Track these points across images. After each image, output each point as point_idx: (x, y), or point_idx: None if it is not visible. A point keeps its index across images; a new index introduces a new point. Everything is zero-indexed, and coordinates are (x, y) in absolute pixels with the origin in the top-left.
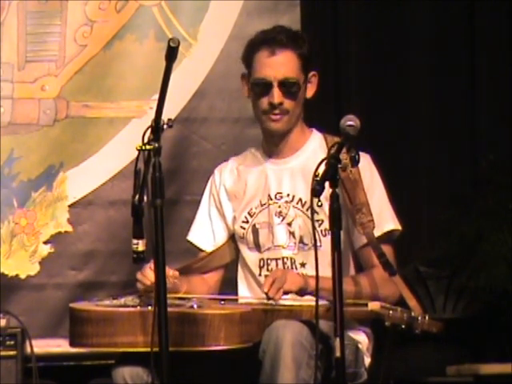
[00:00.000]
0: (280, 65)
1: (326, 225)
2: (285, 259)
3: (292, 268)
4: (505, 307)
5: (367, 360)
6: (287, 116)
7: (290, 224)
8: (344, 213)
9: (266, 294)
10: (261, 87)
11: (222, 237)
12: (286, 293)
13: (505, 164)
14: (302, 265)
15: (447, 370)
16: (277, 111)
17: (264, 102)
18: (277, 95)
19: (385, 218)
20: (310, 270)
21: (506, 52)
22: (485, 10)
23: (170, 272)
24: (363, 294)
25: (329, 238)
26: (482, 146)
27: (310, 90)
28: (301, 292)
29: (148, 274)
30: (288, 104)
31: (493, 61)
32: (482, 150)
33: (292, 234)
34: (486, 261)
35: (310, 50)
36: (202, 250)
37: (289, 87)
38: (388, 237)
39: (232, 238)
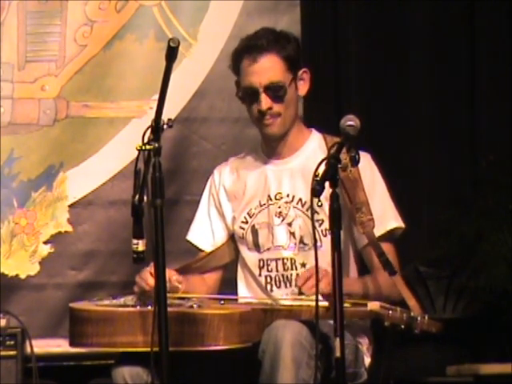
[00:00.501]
0: (263, 70)
1: (327, 225)
2: (285, 260)
3: (292, 268)
4: (505, 307)
5: (367, 360)
6: (280, 119)
7: (290, 224)
8: (344, 212)
9: (299, 288)
10: (249, 95)
11: (221, 237)
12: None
13: (505, 164)
14: (303, 265)
15: (447, 369)
16: (267, 116)
17: (255, 110)
18: (264, 101)
19: (387, 216)
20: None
21: (506, 52)
22: (485, 10)
23: (174, 277)
24: (369, 295)
25: (329, 237)
26: (482, 146)
27: (303, 88)
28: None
29: (147, 278)
30: (277, 107)
31: (493, 61)
32: (482, 150)
33: (292, 234)
34: (486, 261)
35: (297, 48)
36: (201, 250)
37: (275, 91)
38: (390, 235)
39: (231, 238)
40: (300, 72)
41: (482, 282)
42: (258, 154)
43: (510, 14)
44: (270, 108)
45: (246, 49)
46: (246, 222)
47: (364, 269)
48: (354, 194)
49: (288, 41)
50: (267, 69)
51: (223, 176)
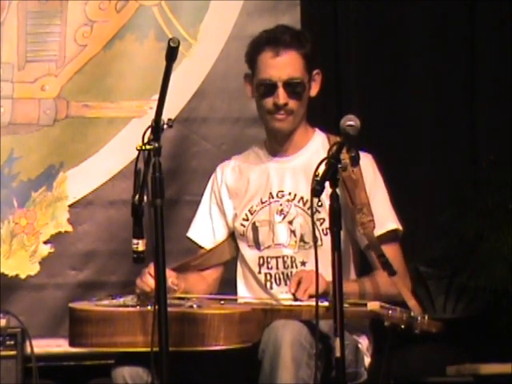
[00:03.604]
0: (285, 65)
1: (327, 224)
2: (285, 258)
3: (292, 267)
4: (505, 307)
5: (367, 360)
6: (292, 116)
7: (291, 222)
8: (346, 212)
9: (293, 294)
10: (266, 88)
11: (221, 234)
12: (311, 296)
13: (505, 164)
14: (303, 263)
15: (447, 370)
16: (282, 111)
17: (269, 103)
18: (282, 96)
19: (387, 217)
20: (310, 269)
21: (506, 52)
22: (485, 10)
23: (170, 279)
24: (366, 296)
25: (330, 237)
26: (482, 145)
27: (314, 89)
28: (324, 295)
29: (148, 281)
30: (293, 104)
31: (493, 61)
32: (482, 150)
33: (293, 232)
34: (485, 261)
35: (313, 48)
36: (202, 247)
37: (294, 87)
38: (392, 235)
39: (232, 235)
40: (314, 73)
41: (482, 282)
42: (261, 151)
43: (510, 14)
44: (286, 104)
45: (269, 41)
46: (247, 219)
47: (364, 269)
48: (356, 194)
49: (307, 40)
50: (288, 64)
51: (225, 173)
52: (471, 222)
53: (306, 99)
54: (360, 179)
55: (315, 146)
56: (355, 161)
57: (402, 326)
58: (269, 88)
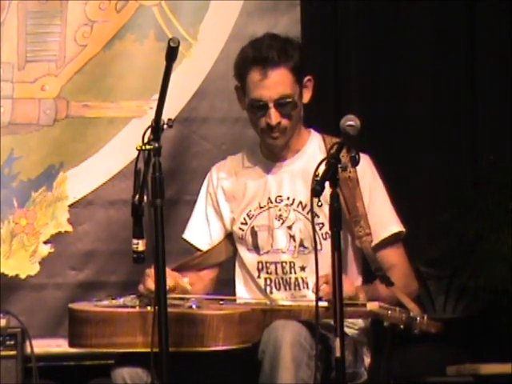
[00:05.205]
0: (274, 85)
1: (327, 228)
2: (283, 263)
3: (291, 272)
4: (505, 307)
5: (367, 360)
6: (285, 133)
7: (290, 227)
8: (345, 218)
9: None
10: (257, 108)
11: (218, 236)
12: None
13: (505, 164)
14: (302, 268)
15: (447, 370)
16: (275, 130)
17: (262, 122)
18: (274, 116)
19: (390, 220)
20: (309, 274)
21: (506, 52)
22: (485, 10)
23: (185, 279)
24: (382, 298)
25: (329, 241)
26: (482, 146)
27: (307, 95)
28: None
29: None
30: (285, 122)
31: (493, 60)
32: (482, 150)
33: (292, 237)
34: (485, 261)
35: (302, 55)
36: (198, 249)
37: (285, 105)
38: (395, 238)
39: (228, 236)
40: (305, 80)
41: (482, 282)
42: (256, 155)
43: (510, 14)
44: (278, 123)
45: (256, 61)
46: (246, 224)
47: (365, 271)
48: (353, 204)
49: (294, 48)
50: (278, 83)
51: (221, 176)
52: (471, 222)
53: (298, 112)
54: (356, 185)
55: (311, 149)
56: (355, 161)
57: (402, 326)
58: (260, 108)
